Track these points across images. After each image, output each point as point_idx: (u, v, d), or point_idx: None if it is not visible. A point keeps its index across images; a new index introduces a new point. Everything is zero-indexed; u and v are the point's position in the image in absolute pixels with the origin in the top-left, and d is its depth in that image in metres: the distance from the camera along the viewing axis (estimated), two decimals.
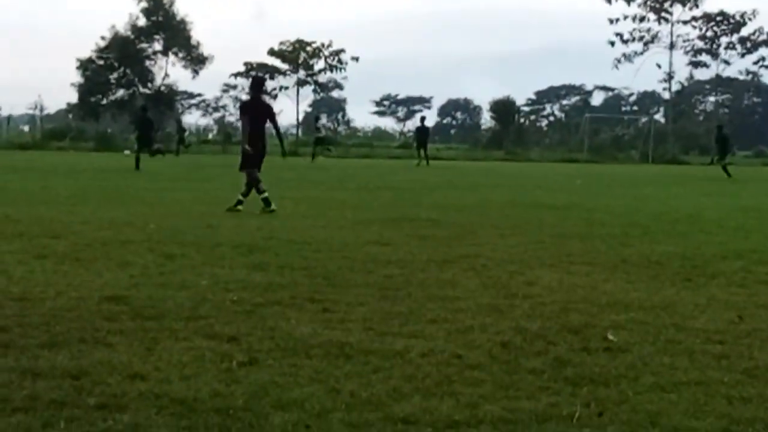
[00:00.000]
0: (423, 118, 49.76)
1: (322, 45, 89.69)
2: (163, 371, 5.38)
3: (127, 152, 46.43)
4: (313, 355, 5.82)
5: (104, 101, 79.31)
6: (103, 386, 5.05)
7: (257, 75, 17.19)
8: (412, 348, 6.05)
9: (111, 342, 6.07)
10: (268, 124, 17.10)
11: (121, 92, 79.76)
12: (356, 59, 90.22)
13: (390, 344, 6.17)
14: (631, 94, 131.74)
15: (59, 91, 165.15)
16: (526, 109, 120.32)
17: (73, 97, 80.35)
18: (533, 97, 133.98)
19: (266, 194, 16.28)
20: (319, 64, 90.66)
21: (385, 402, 4.91)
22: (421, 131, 48.52)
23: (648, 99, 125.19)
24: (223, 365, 5.55)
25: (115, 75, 78.86)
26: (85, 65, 78.10)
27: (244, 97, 17.55)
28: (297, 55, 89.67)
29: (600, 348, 6.22)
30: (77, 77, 78.39)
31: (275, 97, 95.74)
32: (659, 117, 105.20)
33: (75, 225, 13.08)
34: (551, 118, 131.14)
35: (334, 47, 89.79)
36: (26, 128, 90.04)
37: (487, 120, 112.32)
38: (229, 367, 5.52)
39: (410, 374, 5.45)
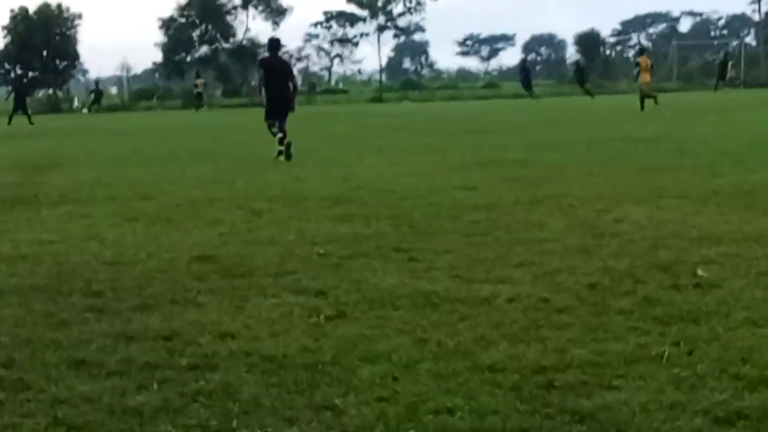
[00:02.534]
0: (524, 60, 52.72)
1: None
2: (252, 329, 5.45)
3: (84, 111, 46.85)
4: (400, 306, 5.84)
5: (188, 59, 79.99)
6: (195, 346, 5.13)
7: (272, 37, 18.42)
8: (498, 294, 6.04)
9: (201, 302, 6.16)
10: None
11: (204, 49, 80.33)
12: None
13: (476, 291, 6.16)
14: (720, 18, 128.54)
15: (144, 51, 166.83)
16: (612, 40, 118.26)
17: (158, 57, 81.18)
18: (618, 27, 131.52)
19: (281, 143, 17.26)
20: (398, 8, 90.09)
21: (473, 350, 4.91)
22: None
23: (738, 22, 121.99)
24: (311, 320, 5.60)
25: (197, 32, 79.38)
26: (167, 24, 78.78)
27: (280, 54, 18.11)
28: (375, 1, 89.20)
29: (690, 284, 6.14)
30: (160, 36, 79.16)
31: (357, 44, 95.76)
32: (750, 40, 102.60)
33: (164, 185, 13.26)
34: (638, 48, 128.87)
35: None
36: (114, 90, 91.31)
37: (572, 54, 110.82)
38: (317, 322, 5.57)
39: (497, 321, 5.44)
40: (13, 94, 45.65)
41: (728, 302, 5.65)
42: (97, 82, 71.30)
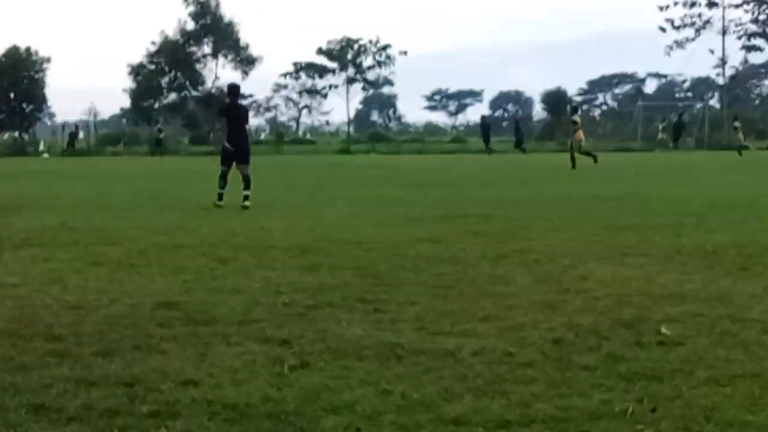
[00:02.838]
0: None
1: (370, 42, 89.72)
2: (215, 377, 5.41)
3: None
4: (365, 357, 5.82)
5: (156, 105, 79.99)
6: (156, 393, 5.08)
7: (232, 83, 19.24)
8: (463, 347, 6.03)
9: (164, 348, 6.11)
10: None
11: (173, 96, 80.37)
12: (404, 53, 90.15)
13: (441, 344, 6.15)
14: (685, 81, 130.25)
15: (112, 96, 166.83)
16: (578, 99, 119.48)
17: (126, 102, 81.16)
18: (585, 86, 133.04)
19: (222, 191, 17.73)
20: (368, 61, 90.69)
21: (437, 403, 4.89)
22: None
23: (702, 85, 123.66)
24: (275, 369, 5.57)
25: (166, 79, 79.43)
26: (136, 70, 78.79)
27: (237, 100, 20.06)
28: (345, 53, 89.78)
29: (654, 342, 6.16)
30: (129, 82, 79.17)
31: (325, 96, 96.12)
32: (714, 103, 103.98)
33: (130, 231, 13.19)
34: (604, 108, 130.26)
35: (381, 43, 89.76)
36: (81, 134, 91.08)
37: (538, 111, 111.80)
38: (280, 371, 5.53)
39: (461, 374, 5.43)
40: None
41: (692, 360, 5.68)
42: (76, 125, 71.44)
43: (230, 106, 18.97)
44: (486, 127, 54.37)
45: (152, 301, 7.71)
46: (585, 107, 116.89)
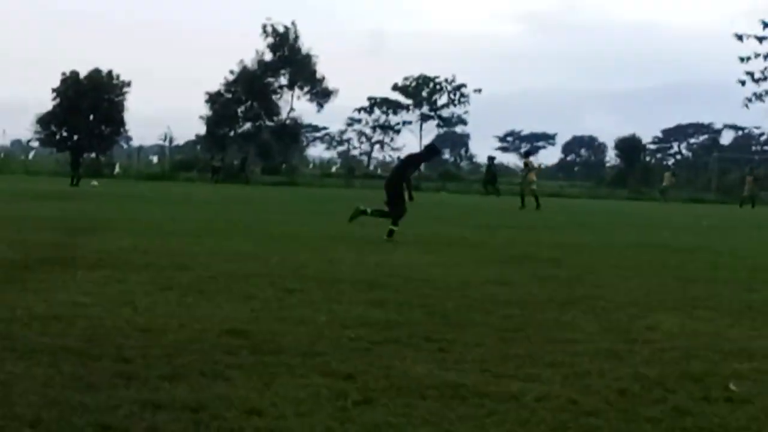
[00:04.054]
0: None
1: (445, 80, 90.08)
2: (279, 407, 5.45)
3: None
4: (428, 396, 5.83)
5: (231, 133, 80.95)
6: (221, 420, 5.14)
7: (433, 145, 20.77)
8: (527, 392, 6.01)
9: (230, 376, 6.17)
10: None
11: (247, 125, 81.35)
12: (479, 91, 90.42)
13: (505, 387, 6.13)
14: (762, 134, 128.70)
15: (188, 123, 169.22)
16: (652, 147, 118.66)
17: (202, 129, 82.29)
18: (659, 135, 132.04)
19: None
20: (442, 99, 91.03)
21: None
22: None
23: None
24: (338, 403, 5.59)
25: (242, 108, 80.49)
26: (213, 98, 79.94)
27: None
28: (420, 90, 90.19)
29: (721, 398, 6.08)
30: (206, 110, 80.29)
31: (398, 131, 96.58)
32: None
33: (201, 257, 13.35)
34: (678, 157, 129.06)
35: (457, 82, 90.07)
36: (155, 159, 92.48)
37: (612, 158, 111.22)
38: (344, 405, 5.56)
39: (525, 419, 5.41)
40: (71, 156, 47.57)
41: (759, 419, 5.60)
42: (222, 158, 72.87)
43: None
44: (493, 168, 53.93)
45: (220, 328, 7.79)
46: (659, 155, 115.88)
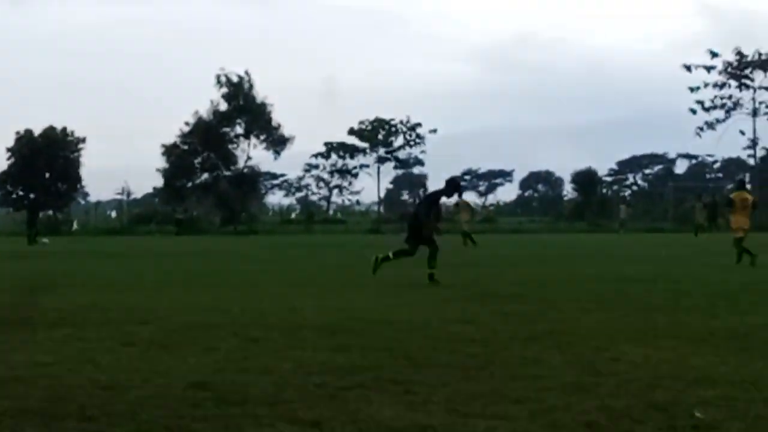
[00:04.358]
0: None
1: (400, 122, 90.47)
2: None
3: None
4: None
5: (189, 185, 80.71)
6: None
7: (454, 179, 20.62)
8: (495, 430, 6.00)
9: (195, 429, 6.11)
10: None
11: (205, 176, 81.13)
12: (434, 131, 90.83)
13: (473, 426, 6.12)
14: (716, 162, 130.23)
15: (145, 176, 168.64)
16: (609, 179, 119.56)
17: (159, 182, 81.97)
18: (615, 167, 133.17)
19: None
20: (398, 141, 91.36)
21: None
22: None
23: (733, 166, 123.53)
24: None
25: (198, 159, 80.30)
26: (169, 150, 79.71)
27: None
28: (376, 133, 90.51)
29: (687, 426, 6.10)
30: (162, 162, 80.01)
31: (356, 175, 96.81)
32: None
33: (161, 310, 13.25)
34: (634, 188, 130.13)
35: (412, 122, 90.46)
36: (114, 213, 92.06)
37: (569, 191, 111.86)
38: None
39: None
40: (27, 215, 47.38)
41: None
42: (185, 209, 72.69)
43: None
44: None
45: (184, 382, 7.72)
46: (615, 188, 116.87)
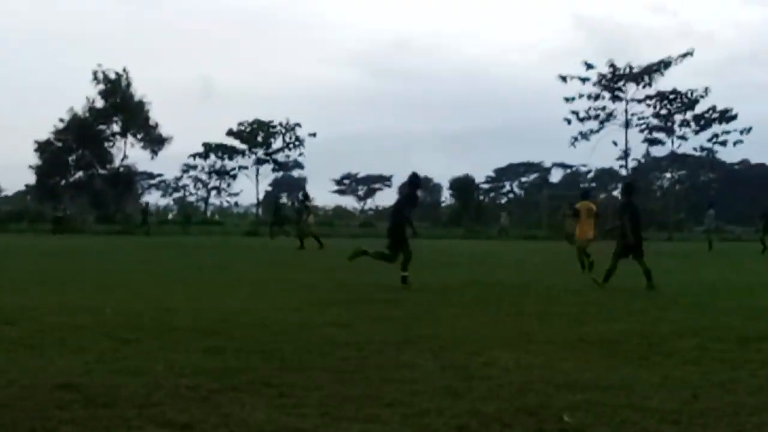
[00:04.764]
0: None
1: (280, 124, 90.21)
2: None
3: None
4: None
5: (62, 182, 79.09)
6: None
7: (413, 174, 20.44)
8: None
9: (62, 431, 5.97)
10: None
11: (79, 174, 79.65)
12: (313, 135, 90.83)
13: (345, 429, 6.12)
14: (589, 171, 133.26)
15: (17, 173, 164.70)
16: (486, 186, 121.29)
17: (31, 179, 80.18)
18: (492, 174, 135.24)
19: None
20: (278, 143, 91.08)
21: None
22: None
23: (606, 176, 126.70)
24: None
25: (73, 157, 78.82)
26: (43, 147, 78.07)
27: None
28: (255, 135, 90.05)
29: (556, 430, 6.21)
30: (35, 159, 78.28)
31: (234, 177, 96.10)
32: (617, 194, 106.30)
33: (29, 310, 12.93)
34: (510, 195, 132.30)
35: (291, 123, 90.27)
36: None
37: (447, 198, 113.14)
38: None
39: None
40: None
41: None
42: (64, 208, 70.26)
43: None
44: (279, 209, 58.65)
45: (51, 383, 7.54)
46: (492, 194, 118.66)
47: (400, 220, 19.38)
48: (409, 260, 19.13)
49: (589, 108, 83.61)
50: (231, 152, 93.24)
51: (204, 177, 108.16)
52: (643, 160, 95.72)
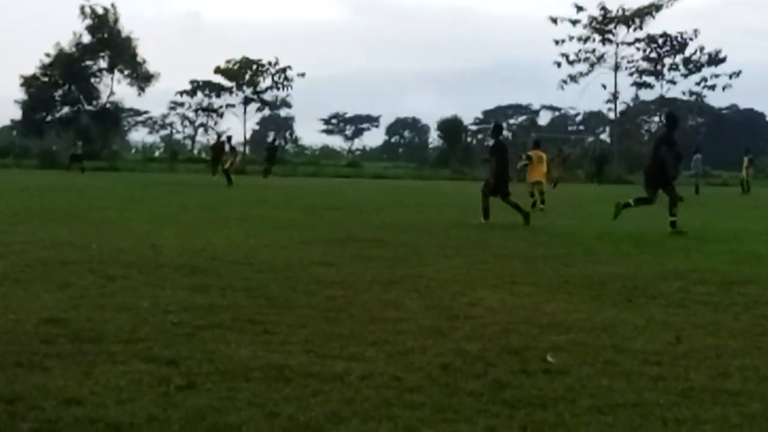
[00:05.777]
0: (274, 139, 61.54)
1: (269, 63, 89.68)
2: (99, 395, 5.32)
3: None
4: (252, 379, 5.79)
5: (48, 118, 78.67)
6: (38, 411, 4.99)
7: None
8: (351, 371, 6.04)
9: (47, 366, 5.99)
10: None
11: (65, 110, 79.22)
12: (302, 75, 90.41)
13: (330, 367, 6.16)
14: (578, 114, 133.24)
15: (2, 107, 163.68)
16: (474, 128, 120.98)
17: (17, 114, 79.76)
18: (480, 116, 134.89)
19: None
20: (266, 82, 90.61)
21: (323, 426, 4.90)
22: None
23: (594, 119, 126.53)
24: (161, 389, 5.50)
25: (59, 92, 78.32)
26: (29, 82, 77.51)
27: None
28: (243, 73, 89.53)
29: (539, 370, 6.25)
30: (21, 94, 77.76)
31: (222, 115, 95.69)
32: (605, 137, 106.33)
33: (16, 245, 12.93)
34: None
35: (280, 65, 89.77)
36: None
37: (434, 139, 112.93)
38: (166, 391, 5.47)
39: (349, 397, 5.44)
40: None
41: (575, 389, 5.77)
42: (83, 144, 68.41)
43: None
44: (273, 150, 58.93)
45: (37, 317, 7.56)
46: (480, 136, 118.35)
47: (658, 161, 18.96)
48: (675, 204, 18.79)
49: (579, 50, 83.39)
50: (218, 90, 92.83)
51: (191, 114, 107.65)
52: (631, 104, 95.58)
